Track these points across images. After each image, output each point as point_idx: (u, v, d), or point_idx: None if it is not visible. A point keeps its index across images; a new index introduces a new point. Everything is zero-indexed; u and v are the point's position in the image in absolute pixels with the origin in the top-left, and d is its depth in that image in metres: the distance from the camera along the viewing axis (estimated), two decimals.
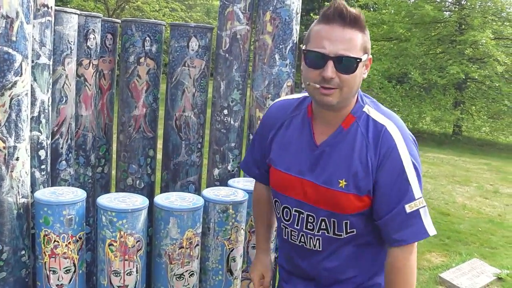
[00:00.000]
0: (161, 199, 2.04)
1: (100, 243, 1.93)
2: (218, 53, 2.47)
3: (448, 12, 15.01)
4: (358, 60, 1.37)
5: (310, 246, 1.57)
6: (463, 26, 13.98)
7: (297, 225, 1.56)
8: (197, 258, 2.07)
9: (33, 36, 1.97)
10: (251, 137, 2.52)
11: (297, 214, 1.55)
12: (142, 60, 2.47)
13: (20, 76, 1.81)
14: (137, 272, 1.94)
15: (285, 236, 1.63)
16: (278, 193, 1.60)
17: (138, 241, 1.91)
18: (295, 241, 1.59)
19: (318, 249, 1.56)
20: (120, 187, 2.60)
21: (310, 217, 1.53)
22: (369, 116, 1.49)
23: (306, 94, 1.59)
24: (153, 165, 2.62)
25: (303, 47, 1.44)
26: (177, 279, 2.02)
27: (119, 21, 2.65)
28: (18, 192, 1.89)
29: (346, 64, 1.36)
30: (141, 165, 2.56)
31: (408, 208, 1.42)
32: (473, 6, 13.88)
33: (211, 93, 2.57)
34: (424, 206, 1.46)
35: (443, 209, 6.11)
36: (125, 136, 2.55)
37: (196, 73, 2.46)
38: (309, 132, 1.53)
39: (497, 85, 12.99)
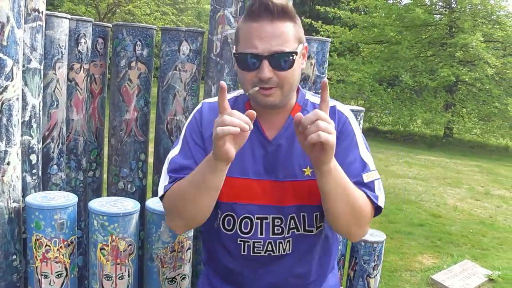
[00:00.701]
0: (152, 203, 2.04)
1: (91, 247, 1.93)
2: (209, 57, 2.47)
3: (438, 15, 15.10)
4: (294, 54, 1.31)
5: (279, 252, 1.48)
6: (453, 29, 14.08)
7: (261, 234, 1.45)
8: (189, 262, 2.07)
9: (24, 41, 1.97)
10: None
11: (260, 221, 1.45)
12: (133, 64, 2.47)
13: (11, 80, 1.81)
14: (129, 276, 1.94)
15: (243, 252, 1.49)
16: (232, 203, 1.45)
17: (130, 245, 1.91)
18: (260, 253, 1.48)
19: (288, 251, 1.48)
20: (112, 191, 2.60)
21: (276, 220, 1.44)
22: (314, 103, 1.48)
23: (233, 94, 1.53)
24: (144, 169, 2.63)
25: (233, 50, 1.38)
26: (169, 282, 2.02)
27: (110, 25, 2.66)
28: (9, 196, 1.89)
29: (282, 60, 1.29)
30: (132, 169, 2.56)
31: (366, 177, 1.41)
32: (463, 9, 13.99)
33: (202, 96, 2.57)
34: (379, 179, 1.45)
35: (434, 211, 6.14)
36: (117, 140, 2.55)
37: (187, 77, 2.46)
38: (257, 130, 1.42)
39: (487, 87, 13.09)
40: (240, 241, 1.48)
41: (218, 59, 2.43)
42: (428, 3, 14.94)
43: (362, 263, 2.45)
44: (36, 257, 1.88)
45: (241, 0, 2.40)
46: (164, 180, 1.48)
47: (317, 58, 2.44)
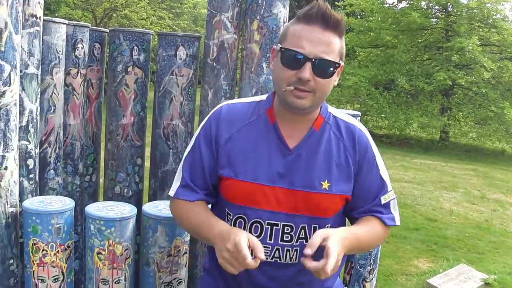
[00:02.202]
0: (149, 207, 2.05)
1: (88, 251, 1.94)
2: (205, 62, 2.49)
3: (434, 19, 15.14)
4: (336, 64, 1.34)
5: (285, 260, 1.47)
6: (449, 33, 14.11)
7: (270, 240, 1.45)
8: (185, 266, 2.08)
9: (21, 46, 1.98)
10: None
11: (270, 227, 1.45)
12: (130, 69, 2.48)
13: (9, 86, 1.82)
14: (125, 280, 1.94)
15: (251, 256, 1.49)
16: (244, 207, 1.45)
17: (126, 249, 1.92)
18: (266, 258, 1.43)
19: (294, 261, 1.48)
20: (108, 196, 2.61)
21: (286, 228, 1.44)
22: (336, 117, 1.51)
23: (255, 98, 1.55)
24: (141, 173, 2.64)
25: (279, 46, 1.39)
26: (166, 287, 2.03)
27: (107, 30, 2.67)
28: (7, 201, 1.90)
29: (324, 68, 1.32)
30: (129, 174, 2.57)
31: (383, 199, 1.50)
32: (459, 13, 14.02)
33: (198, 101, 2.58)
34: (394, 198, 1.54)
35: (430, 215, 6.15)
36: (113, 144, 2.56)
37: (183, 82, 2.47)
38: (278, 137, 1.44)
39: (483, 91, 13.12)
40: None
41: (214, 63, 2.44)
42: (424, 7, 14.99)
43: (358, 267, 2.46)
44: (33, 261, 1.88)
45: (238, 6, 2.41)
46: (177, 178, 1.53)
47: None
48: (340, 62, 1.37)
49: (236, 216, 1.47)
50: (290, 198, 1.43)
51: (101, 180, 2.80)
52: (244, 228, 1.46)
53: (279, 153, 1.44)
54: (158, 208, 2.04)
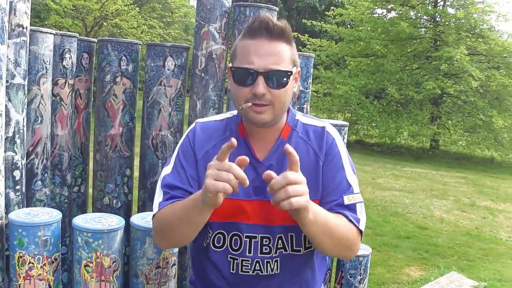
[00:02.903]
0: (137, 219, 2.03)
1: (76, 264, 1.92)
2: (194, 73, 2.49)
3: (423, 29, 15.26)
4: (288, 73, 1.34)
5: (267, 272, 1.48)
6: (438, 43, 14.22)
7: (249, 253, 1.46)
8: (174, 278, 2.06)
9: (7, 56, 1.96)
10: None
11: (249, 240, 1.45)
12: (118, 79, 2.47)
13: None
14: None
15: (232, 270, 1.49)
16: (223, 222, 1.46)
17: (115, 261, 1.89)
18: (248, 272, 1.48)
19: (276, 272, 1.48)
20: (97, 207, 2.59)
21: (265, 239, 1.45)
22: (304, 123, 1.50)
23: (225, 115, 1.55)
24: (130, 184, 2.62)
25: (230, 65, 1.39)
26: None
27: (95, 40, 2.66)
28: None
29: (277, 79, 1.32)
30: (118, 184, 2.55)
31: (346, 199, 1.44)
32: (447, 23, 14.15)
33: (187, 111, 2.58)
34: (361, 202, 1.47)
35: (421, 223, 6.16)
36: (102, 155, 2.54)
37: (172, 93, 2.47)
38: (248, 151, 1.45)
39: (472, 99, 13.22)
40: (230, 257, 1.48)
41: (203, 74, 2.44)
42: (413, 17, 15.11)
43: (349, 276, 2.46)
44: (19, 274, 1.86)
45: (226, 16, 2.42)
46: (158, 196, 1.50)
47: (301, 73, 2.46)
48: (293, 68, 1.37)
49: (216, 232, 1.47)
50: (266, 210, 1.42)
51: (90, 191, 2.78)
52: (223, 242, 1.46)
53: (251, 167, 1.42)
54: (147, 219, 2.02)
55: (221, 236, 1.47)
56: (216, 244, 1.49)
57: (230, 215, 1.44)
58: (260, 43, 1.31)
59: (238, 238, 1.45)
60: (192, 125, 1.56)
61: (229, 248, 1.47)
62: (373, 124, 14.28)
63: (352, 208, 1.44)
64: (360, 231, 1.44)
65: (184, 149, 1.50)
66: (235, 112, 1.54)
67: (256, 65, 1.30)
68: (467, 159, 13.94)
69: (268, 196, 1.37)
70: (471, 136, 14.09)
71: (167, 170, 1.52)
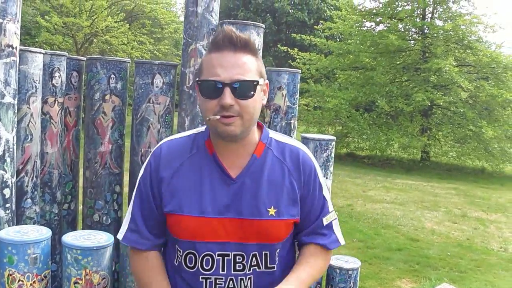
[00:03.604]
0: None
1: (65, 281, 1.93)
2: (182, 90, 2.51)
3: (412, 41, 15.40)
4: (255, 83, 1.33)
5: None
6: (427, 54, 14.35)
7: (222, 271, 1.43)
8: None
9: None
10: None
11: (221, 258, 1.42)
12: (107, 97, 2.50)
13: None
14: None
15: None
16: (193, 242, 1.43)
17: (104, 278, 1.91)
18: None
19: None
20: (87, 224, 2.60)
21: (238, 257, 1.43)
22: (278, 141, 1.51)
23: (193, 131, 1.54)
24: (119, 200, 2.63)
25: (197, 79, 1.39)
26: None
27: (84, 58, 2.69)
28: None
29: (244, 89, 1.32)
30: (107, 201, 2.57)
31: (325, 220, 1.51)
32: (435, 34, 14.29)
33: (176, 127, 2.60)
34: (336, 219, 1.55)
35: (412, 235, 6.18)
36: (91, 172, 2.56)
37: (161, 110, 2.49)
38: (219, 167, 1.43)
39: (461, 110, 13.31)
40: (202, 278, 1.45)
41: (191, 91, 2.46)
42: (402, 30, 15.25)
43: None
44: None
45: (213, 34, 2.45)
46: (126, 221, 1.53)
47: (288, 89, 2.50)
48: (261, 79, 1.38)
49: (186, 251, 1.45)
50: (239, 228, 1.41)
51: (80, 208, 2.78)
52: (195, 263, 1.44)
53: (223, 184, 1.42)
54: None
55: (192, 256, 1.45)
56: (188, 264, 1.46)
57: (200, 234, 1.41)
58: (225, 55, 1.32)
59: (210, 257, 1.43)
60: (158, 144, 1.53)
61: (200, 269, 1.44)
62: (364, 136, 14.34)
63: (329, 226, 1.53)
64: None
65: (146, 173, 1.50)
66: (203, 128, 1.53)
67: (222, 77, 1.31)
68: (458, 170, 14.01)
69: (242, 214, 1.41)
70: (462, 147, 14.17)
71: (134, 191, 1.53)
